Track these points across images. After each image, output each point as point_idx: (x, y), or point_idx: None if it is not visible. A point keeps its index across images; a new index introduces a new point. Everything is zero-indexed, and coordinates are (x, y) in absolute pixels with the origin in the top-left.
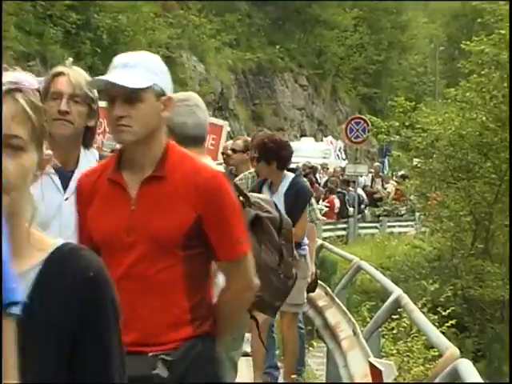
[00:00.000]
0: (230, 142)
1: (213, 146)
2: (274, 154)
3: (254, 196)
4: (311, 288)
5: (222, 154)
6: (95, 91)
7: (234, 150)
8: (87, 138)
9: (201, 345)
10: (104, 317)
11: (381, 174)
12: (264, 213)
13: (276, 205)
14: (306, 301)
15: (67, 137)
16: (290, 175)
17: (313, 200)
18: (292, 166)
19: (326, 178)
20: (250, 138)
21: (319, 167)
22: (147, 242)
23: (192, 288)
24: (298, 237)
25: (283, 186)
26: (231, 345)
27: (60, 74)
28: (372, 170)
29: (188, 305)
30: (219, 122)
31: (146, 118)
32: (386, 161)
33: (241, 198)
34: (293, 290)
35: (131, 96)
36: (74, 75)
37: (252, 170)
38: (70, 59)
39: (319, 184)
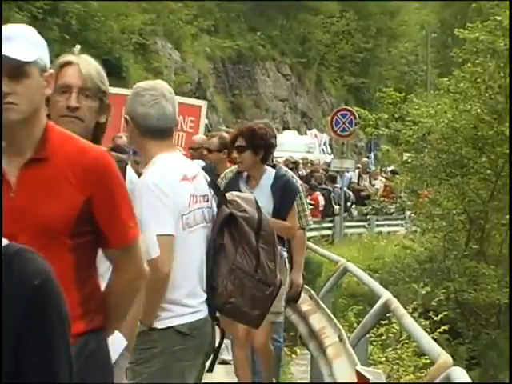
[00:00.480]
0: (199, 136)
1: (192, 129)
2: (264, 143)
3: (233, 194)
4: (292, 298)
5: (196, 149)
6: (107, 83)
7: (208, 150)
8: (96, 135)
9: (94, 341)
10: (48, 322)
11: (368, 169)
12: (240, 212)
13: (258, 205)
14: (283, 309)
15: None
16: (271, 169)
17: (306, 202)
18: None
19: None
20: (226, 134)
21: (300, 162)
22: (32, 230)
23: (82, 279)
24: (292, 233)
25: (266, 180)
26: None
27: (68, 63)
28: (359, 166)
29: (79, 298)
30: (197, 102)
31: (32, 95)
32: (372, 155)
33: (217, 196)
34: None
35: (17, 71)
36: (84, 65)
37: (233, 167)
38: (78, 46)
39: (302, 180)
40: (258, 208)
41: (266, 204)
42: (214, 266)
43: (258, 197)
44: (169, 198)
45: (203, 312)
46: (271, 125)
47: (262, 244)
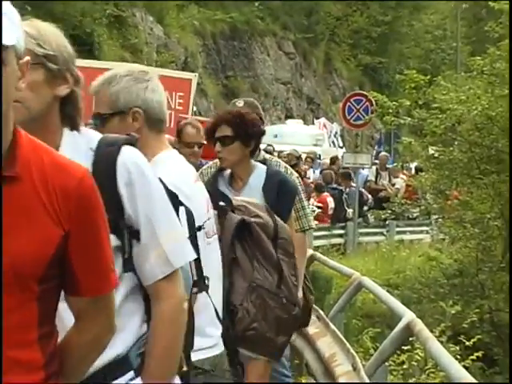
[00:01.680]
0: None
1: (181, 106)
2: (256, 132)
3: (237, 199)
4: (303, 321)
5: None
6: (55, 44)
7: (200, 145)
8: (67, 114)
9: None
10: None
11: (388, 165)
12: (253, 218)
13: (268, 209)
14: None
15: (22, 124)
16: (261, 166)
17: (304, 200)
18: (274, 154)
19: (319, 170)
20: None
21: (303, 157)
22: None
23: (45, 336)
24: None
25: (255, 180)
26: None
27: None
28: (377, 161)
29: (42, 359)
30: (186, 74)
31: (9, 88)
32: (382, 150)
33: (220, 202)
34: None
35: None
36: None
37: (211, 163)
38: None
39: (308, 178)
40: (270, 213)
41: None
42: (229, 286)
43: None
44: (191, 202)
45: (221, 345)
46: (256, 103)
47: (280, 255)
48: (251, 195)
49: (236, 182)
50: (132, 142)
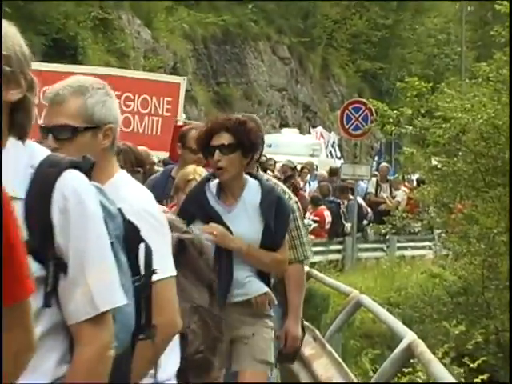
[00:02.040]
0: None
1: (169, 112)
2: (257, 144)
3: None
4: (288, 356)
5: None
6: (7, 40)
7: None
8: (16, 122)
9: None
10: None
11: (389, 177)
12: (183, 234)
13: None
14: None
15: None
16: (251, 180)
17: (302, 227)
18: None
19: (316, 182)
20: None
21: (298, 168)
22: None
23: None
24: (283, 269)
25: (250, 195)
26: None
27: None
28: (376, 173)
29: None
30: (174, 78)
31: None
32: (382, 160)
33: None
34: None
35: None
36: None
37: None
38: None
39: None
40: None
41: (252, 229)
42: None
43: (239, 219)
44: (165, 229)
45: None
46: (257, 121)
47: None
48: (246, 212)
49: (227, 197)
50: (80, 166)
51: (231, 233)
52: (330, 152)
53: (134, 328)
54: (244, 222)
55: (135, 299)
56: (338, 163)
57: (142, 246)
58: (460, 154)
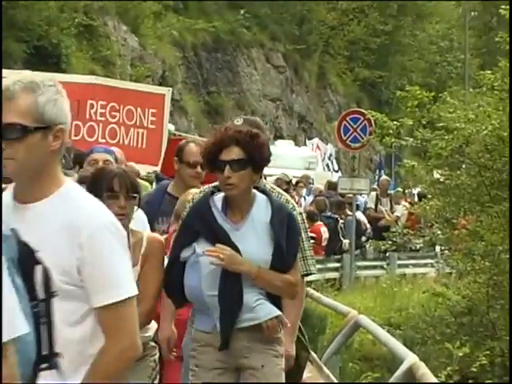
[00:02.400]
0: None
1: (154, 125)
2: (268, 158)
3: None
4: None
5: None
6: None
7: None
8: None
9: None
10: None
11: (390, 191)
12: None
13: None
14: None
15: None
16: (259, 194)
17: (306, 240)
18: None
19: (312, 196)
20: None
21: (293, 182)
22: None
23: None
24: (294, 292)
25: (259, 212)
26: None
27: None
28: (375, 187)
29: None
30: (158, 89)
31: None
32: (382, 173)
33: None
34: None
35: None
36: None
37: (204, 187)
38: None
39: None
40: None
41: (261, 249)
42: None
43: (247, 238)
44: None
45: None
46: (259, 123)
47: None
48: (255, 231)
49: (234, 213)
50: None
51: (239, 253)
52: (327, 165)
53: (35, 358)
54: (253, 241)
55: (35, 326)
56: (335, 176)
57: (38, 268)
58: (463, 166)
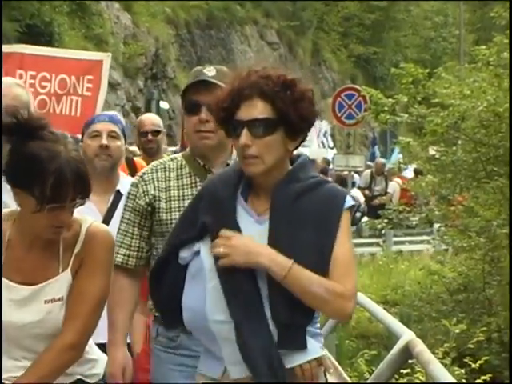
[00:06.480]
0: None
1: (90, 92)
2: (311, 116)
3: None
4: None
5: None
6: None
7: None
8: None
9: None
10: None
11: (385, 172)
12: None
13: None
14: None
15: None
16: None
17: None
18: None
19: None
20: None
21: None
22: None
23: None
24: (342, 306)
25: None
26: None
27: None
28: (370, 163)
29: None
30: (96, 55)
31: None
32: (376, 150)
33: None
34: None
35: None
36: None
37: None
38: None
39: None
40: None
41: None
42: None
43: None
44: None
45: None
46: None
47: None
48: None
49: (261, 205)
50: None
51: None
52: (322, 142)
53: None
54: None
55: None
56: (330, 153)
57: None
58: (459, 142)
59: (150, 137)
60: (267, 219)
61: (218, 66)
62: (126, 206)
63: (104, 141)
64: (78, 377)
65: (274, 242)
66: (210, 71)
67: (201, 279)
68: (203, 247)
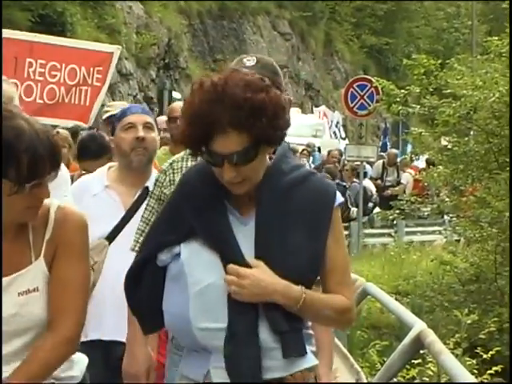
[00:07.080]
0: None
1: (99, 82)
2: (283, 126)
3: None
4: None
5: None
6: None
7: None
8: None
9: None
10: None
11: (397, 163)
12: None
13: None
14: None
15: None
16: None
17: None
18: None
19: (318, 164)
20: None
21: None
22: None
23: None
24: (349, 319)
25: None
26: None
27: None
28: (383, 154)
29: None
30: (107, 47)
31: None
32: (387, 140)
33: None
34: None
35: None
36: None
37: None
38: None
39: None
40: None
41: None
42: None
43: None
44: None
45: None
46: (275, 66)
47: None
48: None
49: (244, 203)
50: None
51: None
52: (334, 132)
53: None
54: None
55: None
56: (342, 144)
57: None
58: (471, 133)
59: (179, 122)
60: (252, 219)
61: (258, 56)
62: (152, 192)
63: (140, 133)
64: (52, 381)
65: (261, 246)
66: (249, 61)
67: (182, 282)
68: (184, 250)
